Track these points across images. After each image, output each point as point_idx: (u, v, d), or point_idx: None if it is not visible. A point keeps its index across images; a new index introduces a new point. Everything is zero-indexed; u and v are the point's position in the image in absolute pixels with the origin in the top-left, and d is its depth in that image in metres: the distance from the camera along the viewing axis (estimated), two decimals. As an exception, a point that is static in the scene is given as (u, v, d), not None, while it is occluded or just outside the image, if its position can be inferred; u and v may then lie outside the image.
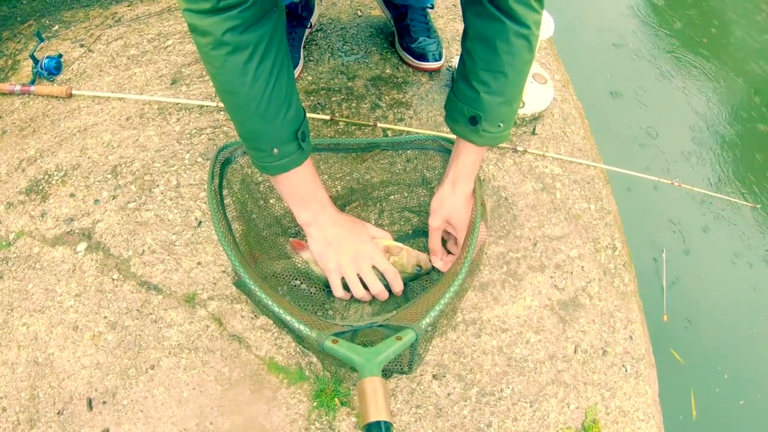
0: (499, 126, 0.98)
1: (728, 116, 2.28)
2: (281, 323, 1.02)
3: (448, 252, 1.15)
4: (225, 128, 1.35)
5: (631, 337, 1.23)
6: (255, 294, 0.88)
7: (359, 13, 1.68)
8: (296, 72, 1.46)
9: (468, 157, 1.03)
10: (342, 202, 1.22)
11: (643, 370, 1.20)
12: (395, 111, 1.44)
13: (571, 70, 1.79)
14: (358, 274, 1.03)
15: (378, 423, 0.71)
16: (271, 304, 0.86)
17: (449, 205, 1.06)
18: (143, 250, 1.16)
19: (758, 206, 2.01)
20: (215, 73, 0.86)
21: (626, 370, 1.18)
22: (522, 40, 0.90)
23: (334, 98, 1.45)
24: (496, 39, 0.90)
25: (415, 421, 1.03)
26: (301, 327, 0.84)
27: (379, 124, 1.38)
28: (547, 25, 1.38)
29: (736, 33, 2.66)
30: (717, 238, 1.92)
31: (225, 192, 1.08)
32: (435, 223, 1.08)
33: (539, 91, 1.51)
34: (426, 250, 1.14)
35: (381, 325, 0.91)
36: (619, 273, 1.31)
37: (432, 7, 1.55)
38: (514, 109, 1.00)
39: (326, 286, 1.06)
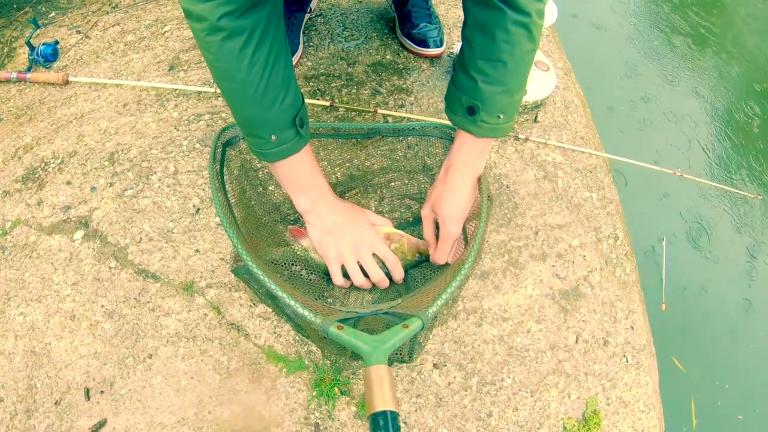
0: (499, 117, 0.95)
1: (732, 106, 2.27)
2: (281, 311, 1.01)
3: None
4: (223, 114, 1.33)
5: (632, 328, 1.22)
6: (258, 278, 0.87)
7: (359, -1, 1.66)
8: (296, 57, 1.44)
9: (464, 147, 1.00)
10: (342, 189, 1.20)
11: (643, 361, 1.20)
12: (396, 97, 1.42)
13: (573, 57, 1.78)
14: (358, 262, 1.02)
15: (384, 413, 0.70)
16: (275, 288, 0.85)
17: (435, 194, 1.04)
18: (141, 238, 1.15)
19: (760, 197, 2.00)
20: (211, 59, 0.84)
21: (627, 361, 1.18)
22: (521, 28, 0.88)
23: (334, 84, 1.43)
24: (494, 27, 0.88)
25: (416, 411, 1.02)
26: (306, 312, 0.82)
27: (379, 111, 1.36)
28: (550, 12, 1.37)
29: (740, 20, 2.64)
30: (718, 228, 1.91)
31: (225, 177, 1.07)
32: (423, 212, 1.08)
33: (541, 78, 1.49)
34: (427, 238, 1.13)
35: (386, 313, 0.90)
36: (620, 263, 1.30)
37: (433, -7, 1.54)
38: (516, 100, 0.96)
39: (326, 274, 1.05)
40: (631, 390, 1.16)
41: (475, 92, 0.93)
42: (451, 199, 1.03)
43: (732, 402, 1.61)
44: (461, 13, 1.65)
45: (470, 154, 1.01)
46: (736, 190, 1.98)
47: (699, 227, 1.90)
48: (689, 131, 2.14)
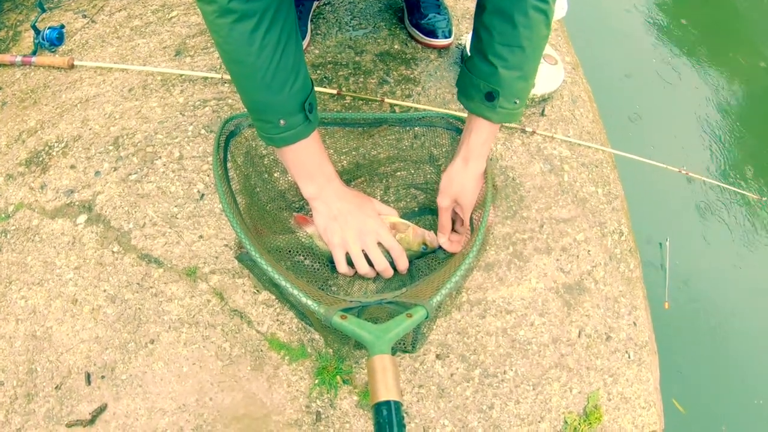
0: (515, 102, 0.96)
1: (740, 105, 2.26)
2: (284, 299, 1.00)
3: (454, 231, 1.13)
4: (229, 100, 1.32)
5: (635, 324, 1.22)
6: (261, 267, 0.86)
7: (368, -12, 1.65)
8: (303, 45, 1.43)
9: (480, 134, 1.01)
10: (347, 178, 1.20)
11: (645, 357, 1.19)
12: (403, 87, 1.41)
13: (581, 52, 1.77)
14: (363, 250, 1.01)
15: (388, 402, 0.69)
16: (278, 277, 0.84)
17: (458, 184, 1.04)
18: (144, 223, 1.14)
19: (764, 199, 1.99)
20: (221, 42, 0.84)
21: (629, 357, 1.18)
22: (540, 14, 0.89)
23: (341, 72, 1.42)
24: (514, 12, 0.88)
25: (417, 401, 1.02)
26: (309, 302, 0.82)
27: (386, 100, 1.35)
28: (560, 6, 1.36)
29: (751, 20, 2.63)
30: (721, 228, 1.91)
31: (229, 165, 1.06)
32: (444, 203, 1.05)
33: (549, 71, 1.48)
34: (432, 227, 1.12)
35: (390, 302, 0.89)
36: (624, 258, 1.30)
37: (442, -16, 1.52)
38: (530, 85, 0.98)
39: (330, 262, 1.05)
40: (632, 386, 1.15)
41: (495, 78, 0.93)
42: (472, 189, 1.04)
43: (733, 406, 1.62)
44: (470, 4, 1.64)
45: (485, 141, 1.01)
46: (742, 191, 1.98)
47: (703, 226, 1.90)
48: (697, 129, 2.13)
